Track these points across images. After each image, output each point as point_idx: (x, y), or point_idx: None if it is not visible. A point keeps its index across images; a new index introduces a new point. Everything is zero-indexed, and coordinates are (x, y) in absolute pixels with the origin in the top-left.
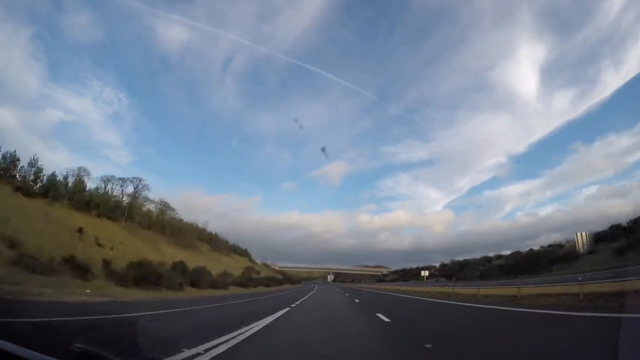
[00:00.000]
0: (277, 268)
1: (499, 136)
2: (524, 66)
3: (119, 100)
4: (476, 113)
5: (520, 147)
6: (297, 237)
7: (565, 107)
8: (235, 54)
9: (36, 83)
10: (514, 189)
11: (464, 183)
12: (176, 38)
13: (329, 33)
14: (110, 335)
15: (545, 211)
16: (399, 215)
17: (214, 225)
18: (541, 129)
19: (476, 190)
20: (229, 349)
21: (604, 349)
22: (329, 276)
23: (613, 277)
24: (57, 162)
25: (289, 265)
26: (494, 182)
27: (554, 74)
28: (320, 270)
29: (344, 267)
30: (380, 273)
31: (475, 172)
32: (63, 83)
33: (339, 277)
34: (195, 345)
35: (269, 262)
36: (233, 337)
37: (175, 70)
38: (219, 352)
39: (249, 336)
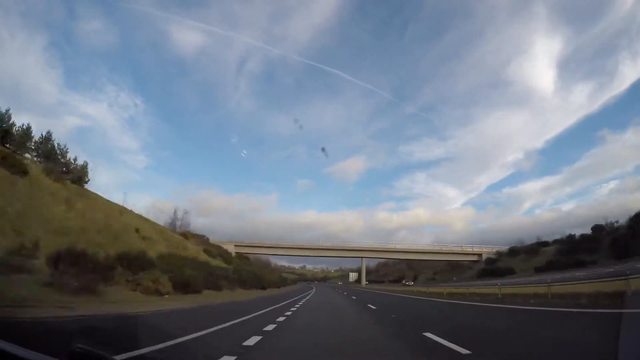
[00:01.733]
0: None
1: (516, 133)
2: (540, 61)
3: (135, 105)
4: (493, 110)
5: (538, 143)
6: (315, 236)
7: (583, 101)
8: (249, 56)
9: (53, 90)
10: (533, 186)
11: (482, 181)
12: (190, 42)
13: (342, 32)
14: None
15: (567, 207)
16: (417, 213)
17: (230, 227)
18: (559, 124)
19: (495, 187)
20: None
21: None
22: (351, 274)
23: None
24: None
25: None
26: (513, 179)
27: (570, 68)
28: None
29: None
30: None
31: (493, 170)
32: (79, 89)
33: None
34: None
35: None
36: None
37: (190, 74)
38: None
39: None
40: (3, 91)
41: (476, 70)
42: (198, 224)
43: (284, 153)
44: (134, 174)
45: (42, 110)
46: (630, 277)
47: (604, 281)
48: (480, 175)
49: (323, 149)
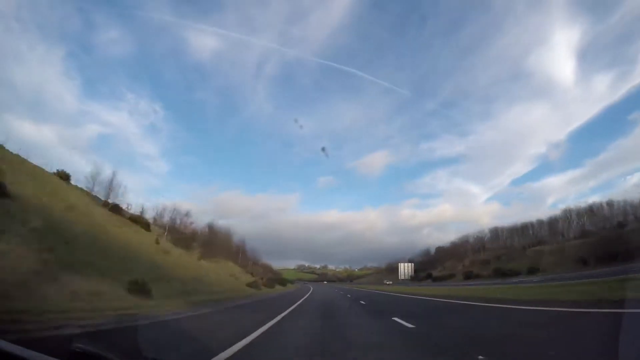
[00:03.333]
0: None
1: (538, 126)
2: (559, 51)
3: (155, 112)
4: (514, 103)
5: (560, 136)
6: (337, 236)
7: (605, 90)
8: (267, 59)
9: (73, 100)
10: (557, 179)
11: (505, 176)
12: (208, 47)
13: (359, 31)
14: None
15: (592, 200)
16: (442, 209)
17: (252, 227)
18: (581, 115)
19: (518, 182)
20: None
21: None
22: (403, 267)
23: None
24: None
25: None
26: (536, 174)
27: (591, 58)
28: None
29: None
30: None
31: (516, 164)
32: (99, 98)
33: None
34: None
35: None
36: None
37: (209, 79)
38: None
39: None
40: (25, 103)
41: (495, 63)
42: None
43: (305, 153)
44: (156, 179)
45: (64, 119)
46: None
47: None
48: (503, 170)
49: (323, 149)
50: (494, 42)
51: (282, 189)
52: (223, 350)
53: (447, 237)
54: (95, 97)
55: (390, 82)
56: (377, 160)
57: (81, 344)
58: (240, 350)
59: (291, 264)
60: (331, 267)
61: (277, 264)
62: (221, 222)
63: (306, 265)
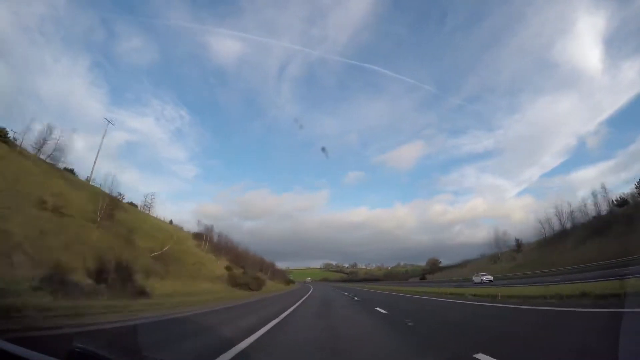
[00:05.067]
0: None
1: (566, 118)
2: (584, 39)
3: (181, 117)
4: (540, 96)
5: (589, 127)
6: (366, 235)
7: (634, 77)
8: (289, 60)
9: (100, 108)
10: (588, 172)
11: (534, 169)
12: (230, 52)
13: (380, 29)
14: None
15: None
16: (472, 205)
17: (276, 229)
18: (610, 105)
19: (548, 176)
20: None
21: None
22: None
23: None
24: (126, 181)
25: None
26: (565, 167)
27: (617, 44)
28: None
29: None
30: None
31: (544, 158)
32: (125, 106)
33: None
34: None
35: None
36: None
37: (233, 83)
38: None
39: None
40: (53, 113)
41: (519, 55)
42: (245, 226)
43: (331, 152)
44: (184, 183)
45: (91, 128)
46: None
47: None
48: (533, 164)
49: (323, 149)
50: (516, 33)
51: (309, 186)
52: None
53: (478, 234)
54: (122, 104)
55: (414, 78)
56: (404, 157)
57: (81, 343)
58: None
59: (317, 264)
60: (361, 265)
61: (302, 264)
62: (248, 224)
63: (333, 264)
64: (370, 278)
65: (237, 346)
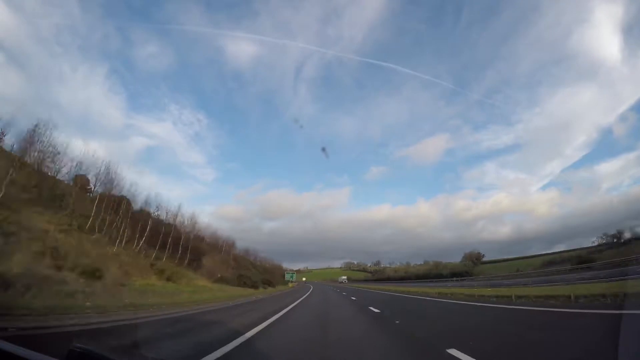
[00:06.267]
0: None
1: (587, 109)
2: (602, 28)
3: (199, 121)
4: (559, 88)
5: (611, 118)
6: (389, 234)
7: None
8: (305, 60)
9: (118, 115)
10: (613, 164)
11: (556, 164)
12: (246, 54)
13: (395, 26)
14: None
15: None
16: (496, 201)
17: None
18: (631, 94)
19: (571, 169)
20: None
21: None
22: None
23: None
24: (146, 185)
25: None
26: (589, 159)
27: (637, 32)
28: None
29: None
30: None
31: (566, 151)
32: (143, 111)
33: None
34: None
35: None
36: None
37: (250, 85)
38: None
39: None
40: (73, 121)
41: (537, 47)
42: (266, 227)
43: (351, 151)
44: (203, 187)
45: (111, 134)
46: None
47: None
48: (553, 158)
49: (323, 149)
50: (532, 25)
51: (330, 183)
52: None
53: (502, 230)
54: (140, 110)
55: (431, 75)
56: (425, 152)
57: (80, 343)
58: None
59: (338, 263)
60: (385, 264)
61: (323, 265)
62: (269, 224)
63: (355, 263)
64: (404, 277)
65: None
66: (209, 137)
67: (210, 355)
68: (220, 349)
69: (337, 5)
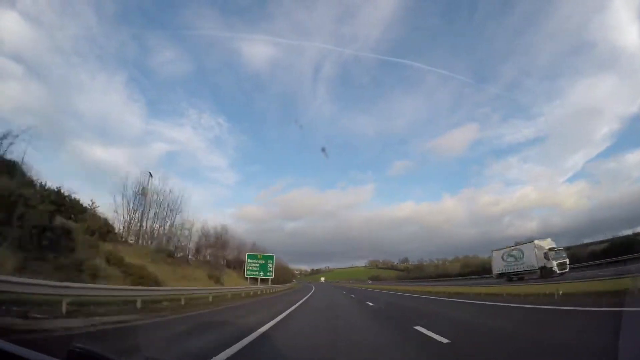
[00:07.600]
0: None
1: (608, 99)
2: (622, 14)
3: (219, 125)
4: (579, 78)
5: (634, 107)
6: (413, 231)
7: None
8: (322, 60)
9: (138, 121)
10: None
11: (580, 156)
12: (263, 56)
13: (410, 22)
14: None
15: None
16: (519, 195)
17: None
18: None
19: (597, 160)
20: None
21: None
22: None
23: None
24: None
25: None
26: (616, 149)
27: None
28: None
29: None
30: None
31: (591, 142)
32: (162, 117)
33: None
34: None
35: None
36: None
37: (268, 87)
38: None
39: None
40: (93, 129)
41: (555, 37)
42: (287, 227)
43: (372, 148)
44: (226, 190)
45: (131, 141)
46: None
47: None
48: (576, 151)
49: (323, 149)
50: (549, 15)
51: (353, 180)
52: None
53: (528, 226)
54: (159, 116)
55: (448, 70)
56: (447, 146)
57: (80, 343)
58: None
59: (361, 263)
60: (413, 261)
61: (346, 264)
62: (290, 225)
63: (380, 261)
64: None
65: None
66: (229, 141)
67: None
68: None
69: (351, 4)
